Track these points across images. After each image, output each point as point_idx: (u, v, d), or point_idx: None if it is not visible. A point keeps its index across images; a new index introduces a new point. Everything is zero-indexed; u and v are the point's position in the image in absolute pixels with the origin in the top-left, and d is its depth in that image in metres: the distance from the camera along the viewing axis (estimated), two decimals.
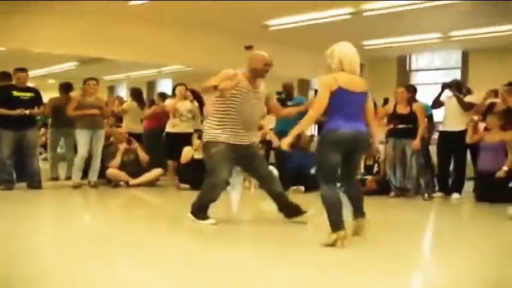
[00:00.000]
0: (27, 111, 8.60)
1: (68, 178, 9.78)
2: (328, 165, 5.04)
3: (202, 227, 5.97)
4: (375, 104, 10.24)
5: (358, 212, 5.36)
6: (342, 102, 4.98)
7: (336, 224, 5.00)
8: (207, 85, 5.81)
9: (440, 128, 9.11)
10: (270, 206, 6.45)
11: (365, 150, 5.55)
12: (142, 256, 4.67)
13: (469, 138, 8.74)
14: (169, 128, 9.82)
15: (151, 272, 4.18)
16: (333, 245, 4.94)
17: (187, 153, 9.34)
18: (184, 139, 9.51)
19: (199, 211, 6.07)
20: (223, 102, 5.90)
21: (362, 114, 5.20)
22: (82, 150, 9.15)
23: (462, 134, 8.87)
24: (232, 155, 5.92)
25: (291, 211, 6.21)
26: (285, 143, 5.20)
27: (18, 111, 8.52)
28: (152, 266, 4.34)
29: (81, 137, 9.16)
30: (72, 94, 10.21)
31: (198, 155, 9.31)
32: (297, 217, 6.18)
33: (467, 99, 8.99)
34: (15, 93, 8.71)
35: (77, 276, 4.04)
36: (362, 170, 9.51)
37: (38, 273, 4.11)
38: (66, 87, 10.52)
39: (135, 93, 11.33)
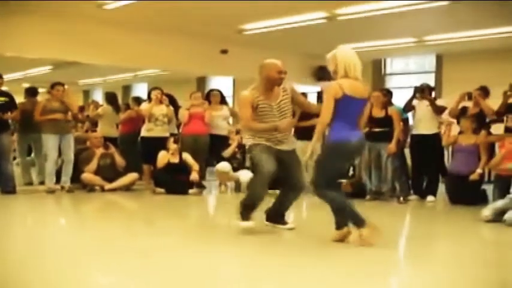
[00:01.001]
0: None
1: (41, 183, 9.70)
2: (336, 173, 5.19)
3: (176, 230, 5.96)
4: None
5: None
6: (347, 109, 5.02)
7: (360, 219, 5.12)
8: (262, 128, 5.74)
9: (413, 131, 9.18)
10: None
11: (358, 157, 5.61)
12: (118, 260, 4.64)
13: (444, 141, 8.87)
14: (144, 133, 9.77)
15: (127, 276, 4.16)
16: (341, 240, 5.16)
17: (163, 157, 9.31)
18: (160, 143, 9.47)
19: (246, 211, 5.78)
20: (255, 118, 5.77)
21: (359, 120, 5.24)
22: (52, 155, 9.08)
23: (434, 137, 8.97)
24: (273, 154, 5.74)
25: (278, 218, 6.08)
26: (306, 157, 5.30)
27: None
28: (127, 270, 4.32)
29: (49, 141, 9.08)
30: (39, 99, 10.14)
31: (174, 159, 9.30)
32: (278, 225, 6.07)
33: (438, 102, 9.11)
34: None
35: (50, 282, 4.01)
36: None
37: (11, 278, 4.07)
38: (31, 92, 10.45)
39: (110, 98, 11.26)
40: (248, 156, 6.14)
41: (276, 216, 6.10)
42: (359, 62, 5.16)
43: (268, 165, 5.64)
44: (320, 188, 5.17)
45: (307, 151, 5.21)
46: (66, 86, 9.48)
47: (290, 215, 6.36)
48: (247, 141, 5.94)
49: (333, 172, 5.16)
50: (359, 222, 5.13)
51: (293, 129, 7.79)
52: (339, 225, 5.27)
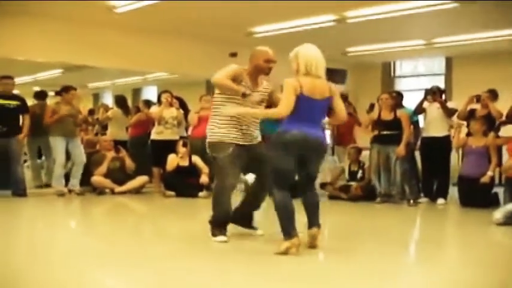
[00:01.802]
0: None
1: (47, 185, 9.73)
2: (282, 170, 4.92)
3: (186, 233, 5.96)
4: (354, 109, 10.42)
5: (313, 221, 5.12)
6: (300, 108, 4.84)
7: (288, 231, 4.87)
8: (229, 85, 5.32)
9: (423, 134, 9.16)
10: None
11: (321, 156, 5.25)
12: (127, 264, 4.64)
13: (454, 144, 8.85)
14: (154, 136, 9.79)
15: (136, 280, 4.17)
16: (285, 253, 4.80)
17: (173, 160, 9.33)
18: (170, 146, 9.49)
19: (214, 226, 5.56)
20: (225, 101, 5.45)
21: (320, 121, 5.13)
22: (59, 158, 9.12)
23: (445, 139, 8.95)
24: (240, 157, 5.44)
25: (244, 219, 5.80)
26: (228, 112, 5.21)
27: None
28: (136, 274, 4.32)
29: (57, 144, 9.13)
30: (48, 102, 10.20)
31: (183, 163, 9.32)
32: (246, 228, 5.80)
33: (449, 105, 9.10)
34: (1, 101, 8.69)
35: (58, 285, 4.03)
36: (346, 176, 9.55)
37: (21, 280, 4.09)
38: (40, 95, 10.50)
39: (120, 101, 11.31)
40: (211, 155, 5.60)
41: (243, 217, 5.78)
42: (322, 60, 5.02)
43: (231, 177, 5.43)
44: (272, 187, 5.01)
45: (238, 111, 5.14)
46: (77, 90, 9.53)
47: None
48: (211, 133, 5.51)
49: (280, 169, 4.91)
50: (285, 233, 4.89)
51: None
52: (287, 234, 4.90)
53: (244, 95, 5.30)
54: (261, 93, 5.58)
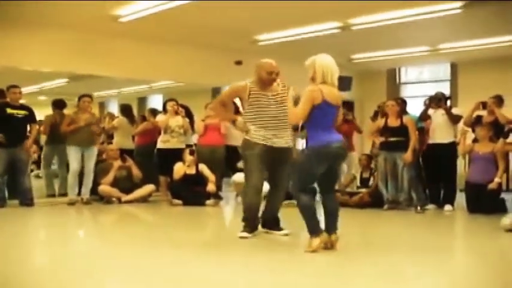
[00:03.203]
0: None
1: (62, 195, 9.77)
2: (311, 176, 5.28)
3: (194, 242, 5.98)
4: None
5: (332, 227, 5.40)
6: (325, 114, 5.19)
7: (316, 230, 5.24)
8: (219, 112, 6.30)
9: (429, 140, 9.14)
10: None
11: (344, 160, 5.75)
12: (134, 273, 4.64)
13: (460, 150, 8.85)
14: (160, 144, 9.81)
15: None
16: (315, 250, 5.16)
17: (179, 169, 9.34)
18: (176, 155, 9.50)
19: (243, 222, 6.16)
20: (249, 112, 6.06)
21: (334, 124, 5.41)
22: (73, 167, 9.16)
23: (450, 146, 8.94)
24: (266, 158, 6.00)
25: (272, 223, 6.25)
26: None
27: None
28: (144, 282, 4.32)
29: (73, 153, 9.18)
30: (66, 111, 10.26)
31: (190, 171, 9.33)
32: (273, 231, 6.22)
33: (454, 111, 9.09)
34: (9, 110, 8.72)
35: None
36: (358, 183, 9.55)
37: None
38: (59, 104, 10.55)
39: (125, 110, 11.34)
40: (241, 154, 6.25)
41: (270, 221, 6.24)
42: (337, 69, 5.31)
43: (256, 179, 6.00)
44: (296, 191, 5.30)
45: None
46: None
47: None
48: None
49: (310, 175, 5.28)
50: (313, 231, 5.25)
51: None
52: (314, 232, 5.28)
53: (233, 122, 6.14)
54: (281, 96, 6.00)
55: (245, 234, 6.02)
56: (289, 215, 6.31)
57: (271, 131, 5.98)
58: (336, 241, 5.36)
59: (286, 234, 6.15)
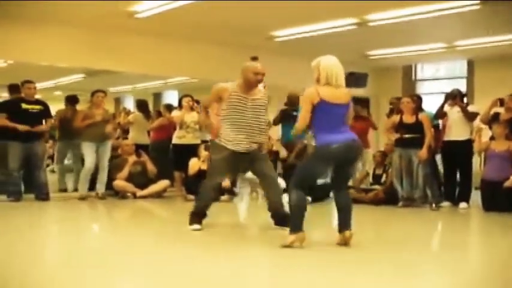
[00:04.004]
0: (33, 128, 8.69)
1: (76, 190, 9.83)
2: (311, 176, 5.42)
3: (207, 237, 5.99)
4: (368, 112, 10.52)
5: (345, 224, 5.43)
6: (326, 115, 5.22)
7: (297, 225, 5.28)
8: (203, 120, 6.57)
9: (445, 137, 9.09)
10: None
11: (359, 157, 5.80)
12: (148, 268, 4.66)
13: (476, 147, 8.79)
14: (176, 140, 9.81)
15: (157, 284, 4.19)
16: (290, 246, 5.21)
17: (194, 164, 9.36)
18: (191, 150, 9.53)
19: (193, 216, 6.44)
20: (225, 112, 6.22)
21: (345, 123, 5.41)
22: (88, 163, 9.20)
23: (466, 143, 8.90)
24: (234, 162, 6.29)
25: (281, 219, 6.21)
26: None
27: (22, 127, 8.57)
28: (158, 278, 4.34)
29: (87, 149, 9.21)
30: (79, 107, 10.30)
31: (205, 166, 9.34)
32: (286, 226, 6.06)
33: (470, 108, 9.04)
34: (24, 105, 8.77)
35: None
36: (371, 179, 9.53)
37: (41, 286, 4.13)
38: (72, 100, 10.60)
39: (141, 105, 11.39)
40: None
41: (280, 218, 6.26)
42: (342, 71, 5.34)
43: (217, 178, 6.42)
44: (292, 186, 5.35)
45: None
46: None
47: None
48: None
49: (310, 174, 5.40)
50: (294, 228, 5.29)
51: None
52: (294, 228, 5.31)
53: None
54: (260, 100, 6.25)
55: (197, 226, 6.32)
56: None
57: (242, 134, 6.13)
58: (350, 238, 5.37)
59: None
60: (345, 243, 5.35)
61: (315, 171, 5.38)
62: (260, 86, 6.38)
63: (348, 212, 5.46)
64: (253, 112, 6.17)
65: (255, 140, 6.19)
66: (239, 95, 6.16)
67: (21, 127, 8.59)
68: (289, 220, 5.41)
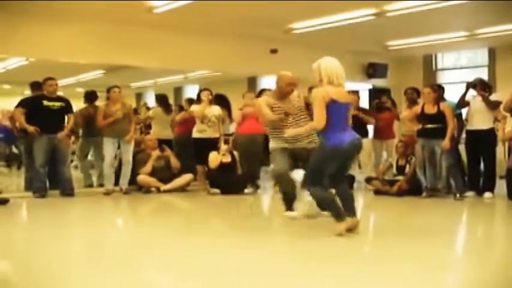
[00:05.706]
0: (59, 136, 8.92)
1: (100, 185, 9.91)
2: (324, 173, 5.53)
3: (232, 230, 6.04)
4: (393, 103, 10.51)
5: (350, 212, 5.60)
6: (335, 114, 5.38)
7: (339, 214, 5.48)
8: (273, 119, 6.57)
9: (468, 127, 9.03)
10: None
11: (359, 153, 6.02)
12: (175, 262, 4.70)
13: (500, 136, 8.72)
14: (196, 134, 9.81)
15: (183, 276, 4.24)
16: (340, 234, 5.38)
17: (214, 158, 9.41)
18: (211, 144, 9.56)
19: (283, 203, 6.80)
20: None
21: (348, 122, 5.61)
22: (108, 158, 9.31)
23: (489, 132, 8.82)
24: (288, 152, 6.61)
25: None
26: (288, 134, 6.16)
27: (31, 128, 8.72)
28: (184, 270, 4.39)
29: (108, 144, 9.31)
30: (98, 104, 10.34)
31: (226, 159, 9.40)
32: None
33: (493, 97, 8.96)
34: (46, 102, 8.86)
35: (106, 283, 4.11)
36: (394, 170, 9.47)
37: (67, 280, 4.19)
38: (91, 97, 10.66)
39: (161, 99, 11.42)
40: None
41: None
42: (342, 70, 5.53)
43: (279, 164, 6.61)
44: (309, 185, 5.61)
45: (289, 133, 6.12)
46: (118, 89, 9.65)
47: None
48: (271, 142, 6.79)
49: (322, 172, 5.53)
50: (337, 217, 5.48)
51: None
52: (338, 217, 5.50)
53: (287, 114, 6.53)
54: (296, 104, 6.65)
55: (292, 213, 6.66)
56: None
57: (289, 139, 6.52)
58: (357, 225, 5.57)
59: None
60: (350, 229, 5.50)
61: (326, 169, 5.53)
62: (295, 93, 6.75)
63: (351, 201, 5.67)
64: (292, 117, 6.58)
65: (302, 141, 6.57)
66: (277, 103, 6.64)
67: (31, 128, 8.68)
68: (330, 213, 5.60)
